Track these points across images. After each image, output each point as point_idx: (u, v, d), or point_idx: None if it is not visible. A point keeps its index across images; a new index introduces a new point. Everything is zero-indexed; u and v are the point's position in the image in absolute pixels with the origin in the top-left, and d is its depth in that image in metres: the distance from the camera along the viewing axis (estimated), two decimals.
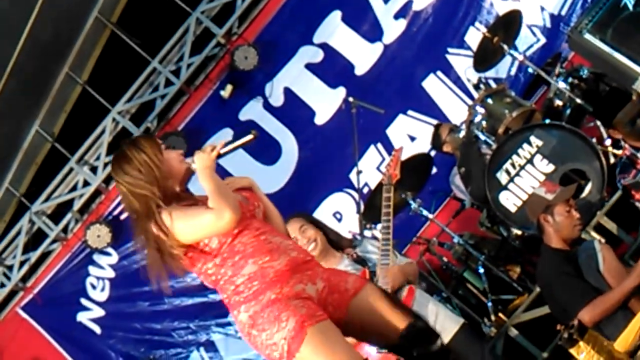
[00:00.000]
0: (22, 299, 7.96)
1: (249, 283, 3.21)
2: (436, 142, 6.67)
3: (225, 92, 7.84)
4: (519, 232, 5.79)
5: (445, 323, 4.73)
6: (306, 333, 3.07)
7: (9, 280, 7.98)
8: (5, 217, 8.19)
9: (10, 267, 8.01)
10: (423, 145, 7.22)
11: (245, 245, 3.27)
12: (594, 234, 5.51)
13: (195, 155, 3.38)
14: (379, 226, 5.20)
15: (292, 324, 3.09)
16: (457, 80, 7.66)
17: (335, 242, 4.85)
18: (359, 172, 6.34)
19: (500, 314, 5.96)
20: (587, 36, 5.88)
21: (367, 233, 6.04)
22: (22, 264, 7.95)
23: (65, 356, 7.83)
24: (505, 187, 5.77)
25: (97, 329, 7.79)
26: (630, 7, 5.77)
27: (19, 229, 8.00)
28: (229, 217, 3.20)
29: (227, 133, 7.84)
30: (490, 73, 6.83)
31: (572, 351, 4.43)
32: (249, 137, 3.47)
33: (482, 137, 6.07)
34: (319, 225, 4.85)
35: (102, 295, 7.85)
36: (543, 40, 7.60)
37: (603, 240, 5.46)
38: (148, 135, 3.46)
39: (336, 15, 7.94)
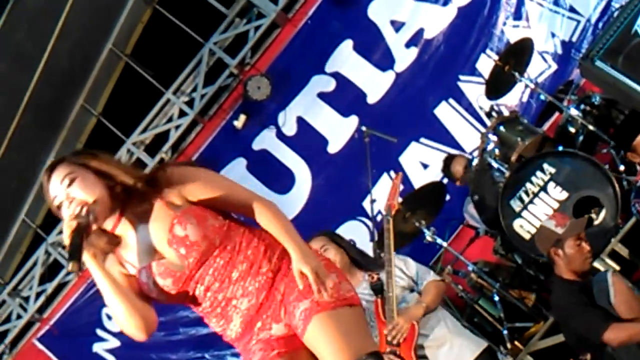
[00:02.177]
0: (38, 330, 7.99)
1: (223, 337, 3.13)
2: (447, 174, 6.69)
3: (239, 122, 7.89)
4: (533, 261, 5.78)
5: (461, 353, 4.72)
6: None
7: (26, 311, 8.01)
8: (21, 249, 8.24)
9: (26, 299, 8.05)
10: (436, 172, 7.23)
11: (198, 307, 3.06)
12: (608, 261, 5.50)
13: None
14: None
15: None
16: (469, 108, 7.68)
17: (358, 261, 4.81)
18: (372, 201, 6.34)
19: (516, 342, 5.94)
20: (599, 63, 5.88)
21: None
22: (38, 295, 7.99)
23: None
24: (519, 215, 5.77)
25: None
26: None
27: (35, 260, 8.04)
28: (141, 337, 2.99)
29: (240, 163, 7.88)
30: (502, 100, 6.84)
31: None
32: (70, 266, 2.81)
33: (495, 165, 6.08)
34: (342, 245, 4.81)
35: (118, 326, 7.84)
36: (554, 66, 7.61)
37: (617, 268, 5.47)
38: None
39: (348, 44, 8.00)
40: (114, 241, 2.98)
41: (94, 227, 2.89)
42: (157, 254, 2.96)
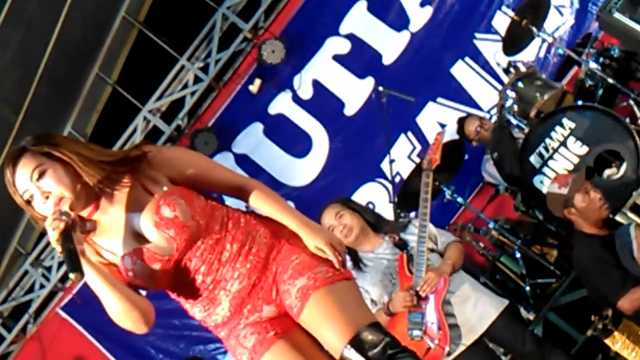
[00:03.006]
0: (61, 300, 8.04)
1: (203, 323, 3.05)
2: (462, 135, 6.65)
3: (254, 87, 7.85)
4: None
5: (485, 309, 4.72)
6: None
7: (48, 281, 8.06)
8: (37, 227, 8.25)
9: (49, 269, 8.09)
10: (453, 131, 7.17)
11: (181, 294, 2.96)
12: (630, 214, 5.46)
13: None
14: (415, 213, 5.16)
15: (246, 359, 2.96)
16: (486, 65, 7.62)
17: (375, 225, 4.81)
18: (391, 161, 6.31)
19: (539, 298, 5.93)
20: (617, 15, 5.83)
21: (403, 219, 6.01)
22: (60, 265, 8.03)
23: (107, 354, 7.88)
24: (539, 171, 5.73)
25: None
26: None
27: None
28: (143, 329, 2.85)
29: (257, 128, 7.86)
30: (520, 56, 6.77)
31: (607, 341, 4.40)
32: (73, 277, 2.67)
33: (514, 121, 6.04)
34: (357, 209, 4.79)
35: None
36: (572, 20, 7.54)
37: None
38: None
39: (362, 5, 7.92)
40: (90, 228, 2.83)
41: (75, 220, 2.72)
42: (141, 239, 2.81)
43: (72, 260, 2.64)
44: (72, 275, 2.63)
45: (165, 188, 2.83)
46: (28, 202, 2.74)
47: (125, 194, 2.81)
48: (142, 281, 2.84)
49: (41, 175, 2.71)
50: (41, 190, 2.71)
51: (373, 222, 4.80)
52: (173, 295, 2.98)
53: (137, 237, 2.81)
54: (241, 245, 2.88)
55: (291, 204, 3.14)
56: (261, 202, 2.95)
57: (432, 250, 4.79)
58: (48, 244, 8.10)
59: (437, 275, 4.58)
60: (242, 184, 2.97)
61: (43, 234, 8.12)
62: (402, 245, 4.71)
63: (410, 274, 4.60)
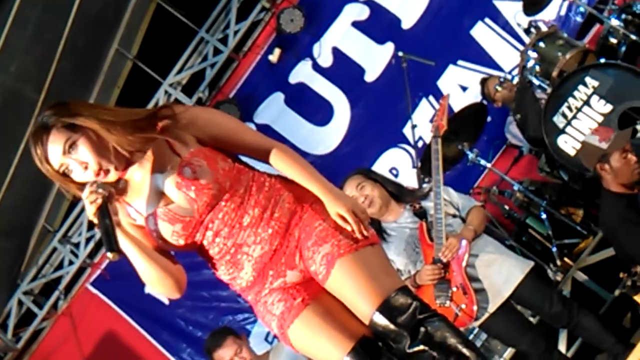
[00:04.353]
0: (90, 275, 8.12)
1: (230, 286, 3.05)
2: (485, 97, 6.60)
3: (274, 57, 7.83)
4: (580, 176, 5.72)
5: (510, 272, 4.72)
6: (288, 328, 2.92)
7: (77, 257, 8.13)
8: (68, 197, 8.33)
9: (77, 245, 8.17)
10: (475, 94, 7.12)
11: (206, 256, 2.97)
12: None
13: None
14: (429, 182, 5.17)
15: (275, 326, 2.96)
16: (506, 26, 7.52)
17: (396, 194, 4.81)
18: (413, 127, 6.30)
19: (566, 259, 5.92)
20: None
21: (425, 186, 6.01)
22: (88, 240, 8.10)
23: (138, 328, 7.96)
24: (563, 131, 5.68)
25: (166, 300, 7.88)
26: None
27: (82, 207, 8.11)
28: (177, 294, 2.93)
29: (278, 97, 7.85)
30: (540, 16, 6.69)
31: (637, 298, 4.38)
32: (111, 257, 2.70)
33: (537, 82, 5.98)
34: (378, 180, 4.80)
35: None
36: None
37: None
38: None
39: None
40: (122, 187, 2.86)
41: (112, 192, 2.76)
42: (165, 199, 2.84)
43: (109, 238, 2.68)
44: (110, 255, 2.68)
45: (191, 149, 2.84)
46: (64, 174, 2.76)
47: (152, 154, 2.83)
48: (165, 242, 2.87)
49: (72, 147, 2.73)
50: (79, 161, 2.73)
51: (395, 192, 4.81)
52: (201, 258, 3.00)
53: (161, 197, 2.84)
54: (263, 209, 2.88)
55: None
56: (286, 166, 2.94)
57: (454, 216, 4.79)
58: (75, 220, 8.18)
59: (458, 240, 4.59)
60: (269, 147, 2.95)
61: (71, 209, 8.25)
62: (421, 213, 4.72)
63: (431, 242, 4.61)
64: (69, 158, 2.74)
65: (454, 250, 4.56)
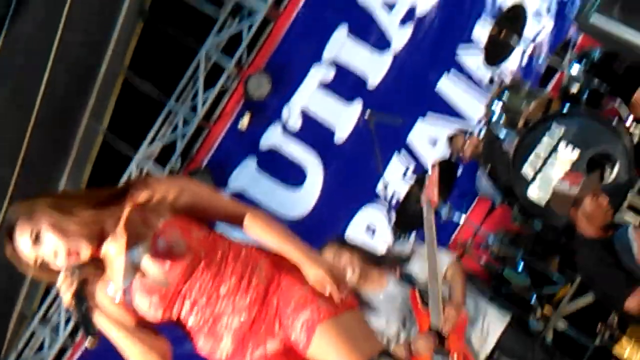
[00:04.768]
0: (72, 356, 7.99)
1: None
2: (454, 153, 6.65)
3: (244, 122, 7.86)
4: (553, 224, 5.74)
5: (491, 325, 4.71)
6: None
7: (57, 339, 8.00)
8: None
9: (56, 326, 8.05)
10: (446, 147, 7.18)
11: (186, 329, 2.93)
12: (628, 216, 5.45)
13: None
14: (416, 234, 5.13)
15: None
16: (471, 78, 7.62)
17: (374, 261, 4.75)
18: (385, 185, 6.33)
19: (546, 308, 5.91)
20: (595, 16, 5.82)
21: (404, 249, 6.00)
22: (67, 321, 7.99)
23: None
24: (532, 181, 5.71)
25: None
26: None
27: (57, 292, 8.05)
28: None
29: (250, 163, 7.87)
30: (503, 66, 6.78)
31: (616, 350, 4.37)
32: (88, 344, 2.68)
33: (503, 133, 6.03)
34: (353, 247, 4.74)
35: None
36: (551, 25, 7.52)
37: (638, 220, 5.42)
38: None
39: (343, 30, 7.92)
40: (98, 265, 2.85)
41: (88, 274, 2.78)
42: (141, 271, 2.83)
43: (86, 324, 2.68)
44: (87, 344, 2.66)
45: (164, 219, 2.83)
46: (41, 266, 2.77)
47: (126, 228, 2.82)
48: (145, 315, 2.86)
49: (37, 237, 2.73)
50: (48, 249, 2.74)
51: (371, 258, 4.76)
52: (181, 330, 2.97)
53: (137, 270, 2.83)
54: (240, 278, 2.86)
55: None
56: (261, 231, 2.93)
57: None
58: (53, 301, 8.09)
59: (457, 311, 4.51)
60: (243, 212, 2.94)
61: (48, 291, 8.16)
62: (407, 279, 4.67)
63: (426, 310, 4.53)
64: (38, 249, 2.74)
65: (453, 321, 4.51)
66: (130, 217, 2.82)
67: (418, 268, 4.70)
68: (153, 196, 2.84)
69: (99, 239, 2.80)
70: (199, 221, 2.90)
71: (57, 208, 2.75)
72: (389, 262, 4.79)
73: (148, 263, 2.81)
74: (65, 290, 2.70)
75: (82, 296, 2.70)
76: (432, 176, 5.16)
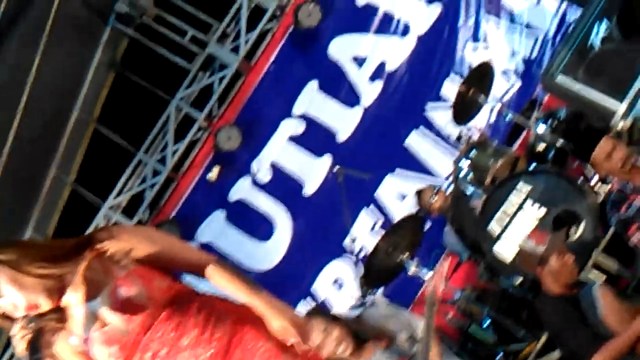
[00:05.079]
0: None
1: None
2: (422, 209, 6.68)
3: (213, 175, 7.89)
4: (519, 281, 5.77)
5: None
6: None
7: None
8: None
9: None
10: (414, 202, 7.22)
11: None
12: (592, 274, 5.49)
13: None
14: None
15: None
16: (440, 134, 7.70)
17: (359, 331, 4.72)
18: (353, 240, 6.35)
19: None
20: (560, 77, 5.92)
21: (368, 299, 6.01)
22: None
23: None
24: (499, 238, 5.74)
25: None
26: (597, 45, 5.83)
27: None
28: None
29: (219, 215, 7.86)
30: (471, 124, 6.85)
31: None
32: None
33: (470, 190, 6.08)
34: (339, 320, 4.71)
35: None
36: (518, 84, 7.64)
37: (603, 278, 5.47)
38: None
39: (313, 85, 8.02)
40: (60, 315, 2.83)
41: (46, 324, 2.78)
42: (100, 321, 2.81)
43: None
44: None
45: (127, 269, 2.82)
46: (2, 315, 2.77)
47: (86, 278, 2.80)
48: None
49: None
50: (6, 302, 2.74)
51: (357, 328, 4.71)
52: None
53: (96, 320, 2.81)
54: (203, 329, 2.84)
55: None
56: (225, 281, 2.90)
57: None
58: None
59: None
60: (207, 262, 2.91)
61: (9, 341, 8.04)
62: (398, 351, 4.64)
63: None
64: None
65: None
66: (92, 266, 2.81)
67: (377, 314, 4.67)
68: (116, 245, 2.83)
69: (59, 291, 2.79)
70: (163, 271, 2.89)
71: (17, 262, 2.74)
72: (369, 333, 4.76)
73: (107, 313, 2.80)
74: (19, 340, 2.69)
75: (37, 346, 2.70)
76: (442, 269, 5.17)
